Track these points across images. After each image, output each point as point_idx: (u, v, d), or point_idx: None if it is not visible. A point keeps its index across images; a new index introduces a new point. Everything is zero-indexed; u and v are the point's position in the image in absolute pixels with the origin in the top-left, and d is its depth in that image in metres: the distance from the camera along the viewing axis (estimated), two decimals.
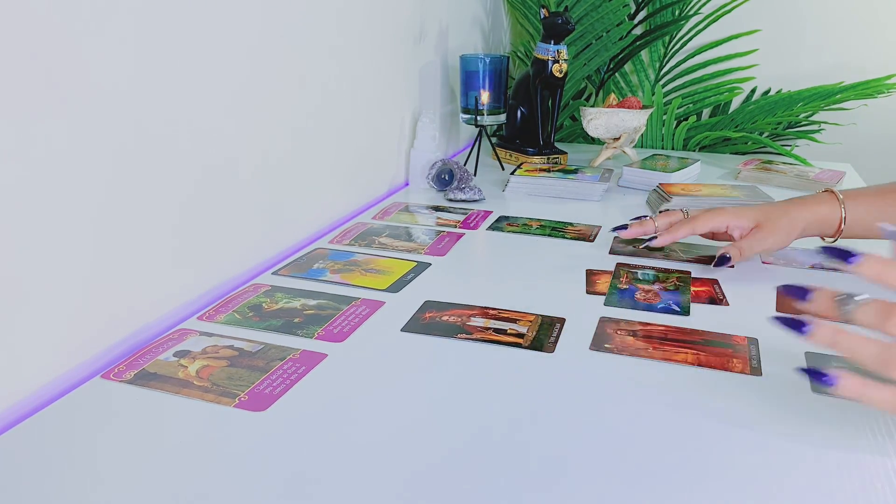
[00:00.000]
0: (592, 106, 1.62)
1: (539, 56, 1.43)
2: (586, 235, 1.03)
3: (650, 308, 0.77)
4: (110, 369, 0.64)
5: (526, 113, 1.50)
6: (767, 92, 1.95)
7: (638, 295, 0.81)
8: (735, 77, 1.93)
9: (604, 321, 0.74)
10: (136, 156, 0.68)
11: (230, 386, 0.61)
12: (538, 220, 1.10)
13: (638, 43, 1.78)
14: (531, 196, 1.25)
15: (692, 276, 0.86)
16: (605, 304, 0.79)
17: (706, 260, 0.92)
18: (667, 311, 0.77)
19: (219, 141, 0.80)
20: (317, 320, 0.74)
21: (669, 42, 1.91)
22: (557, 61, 1.42)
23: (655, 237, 0.90)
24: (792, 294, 0.57)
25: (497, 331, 0.72)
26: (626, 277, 0.86)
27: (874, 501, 0.48)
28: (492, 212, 1.14)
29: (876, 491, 0.49)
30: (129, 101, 0.67)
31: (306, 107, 0.97)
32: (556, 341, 0.70)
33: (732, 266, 0.87)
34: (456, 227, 1.06)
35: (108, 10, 0.63)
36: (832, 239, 0.85)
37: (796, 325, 0.55)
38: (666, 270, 0.88)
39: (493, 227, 1.06)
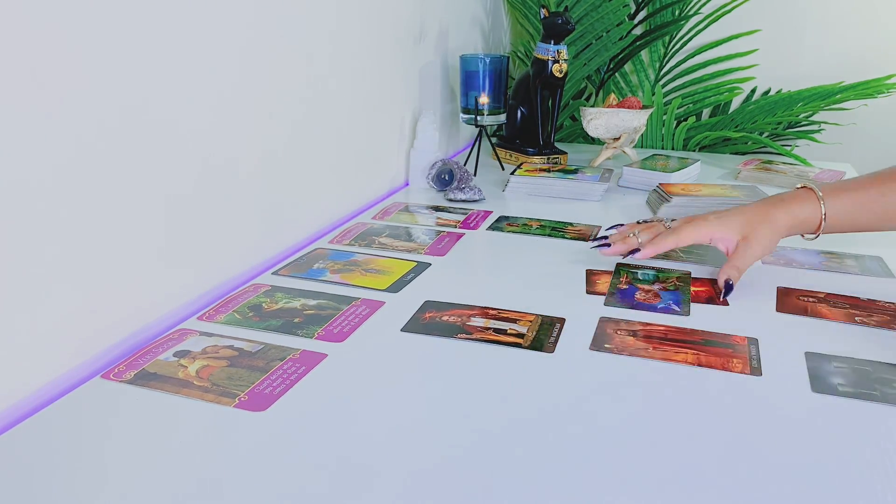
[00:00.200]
0: (592, 106, 1.62)
1: (539, 56, 1.43)
2: (586, 235, 1.03)
3: (651, 308, 0.77)
4: (110, 369, 0.64)
5: (526, 113, 1.50)
6: (767, 92, 1.95)
7: (638, 295, 0.81)
8: (735, 77, 1.93)
9: (604, 321, 0.74)
10: (135, 155, 0.68)
11: (230, 386, 0.61)
12: (538, 220, 1.10)
13: (638, 43, 1.78)
14: (531, 196, 1.25)
15: (692, 275, 0.86)
16: (605, 305, 0.79)
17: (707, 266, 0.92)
18: (667, 311, 0.77)
19: (218, 141, 0.80)
20: (317, 320, 0.74)
21: (669, 42, 1.91)
22: (557, 61, 1.42)
23: (638, 250, 0.86)
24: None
25: (497, 331, 0.72)
26: (626, 277, 0.86)
27: (874, 501, 0.48)
28: (492, 212, 1.14)
29: (876, 491, 0.49)
30: (129, 102, 0.66)
31: (306, 107, 0.97)
32: (556, 341, 0.70)
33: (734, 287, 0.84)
34: (456, 227, 1.06)
35: (105, 7, 0.63)
36: (813, 236, 0.84)
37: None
38: (666, 270, 0.88)
39: (493, 227, 1.06)
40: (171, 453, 0.52)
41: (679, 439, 0.55)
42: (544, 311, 0.77)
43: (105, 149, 0.64)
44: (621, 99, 1.51)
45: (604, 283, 0.84)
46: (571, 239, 1.01)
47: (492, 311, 0.76)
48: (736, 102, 1.96)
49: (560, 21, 1.38)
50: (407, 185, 1.33)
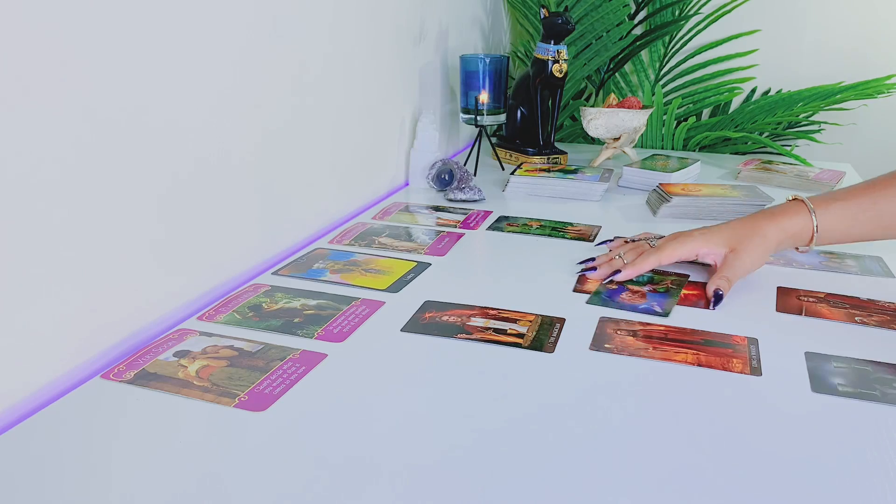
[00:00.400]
0: (592, 106, 1.62)
1: (539, 56, 1.43)
2: (586, 235, 1.03)
3: (633, 308, 0.78)
4: (110, 369, 0.64)
5: (526, 113, 1.50)
6: (767, 92, 1.95)
7: (623, 295, 0.81)
8: (735, 77, 1.93)
9: (604, 321, 0.74)
10: (134, 155, 0.68)
11: (230, 386, 0.61)
12: (538, 220, 1.10)
13: (638, 43, 1.78)
14: (531, 196, 1.25)
15: (690, 279, 0.86)
16: (587, 303, 0.79)
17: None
18: (647, 311, 0.77)
19: (217, 140, 0.80)
20: (317, 320, 0.74)
21: (669, 42, 1.91)
22: (557, 61, 1.42)
23: (620, 272, 0.85)
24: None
25: (497, 331, 0.72)
26: None
27: (874, 501, 0.48)
28: (492, 212, 1.14)
29: (876, 491, 0.49)
30: (129, 101, 0.67)
31: (306, 107, 0.97)
32: (556, 341, 0.70)
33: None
34: (456, 227, 1.06)
35: (102, 8, 0.63)
36: (807, 248, 0.83)
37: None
38: (663, 273, 0.88)
39: (493, 227, 1.06)
40: (171, 453, 0.52)
41: (679, 439, 0.55)
42: (544, 311, 0.77)
43: (105, 149, 0.64)
44: (621, 99, 1.51)
45: (594, 283, 0.84)
46: (571, 239, 1.01)
47: (492, 311, 0.76)
48: (736, 102, 1.96)
49: (560, 21, 1.38)
50: (407, 185, 1.33)
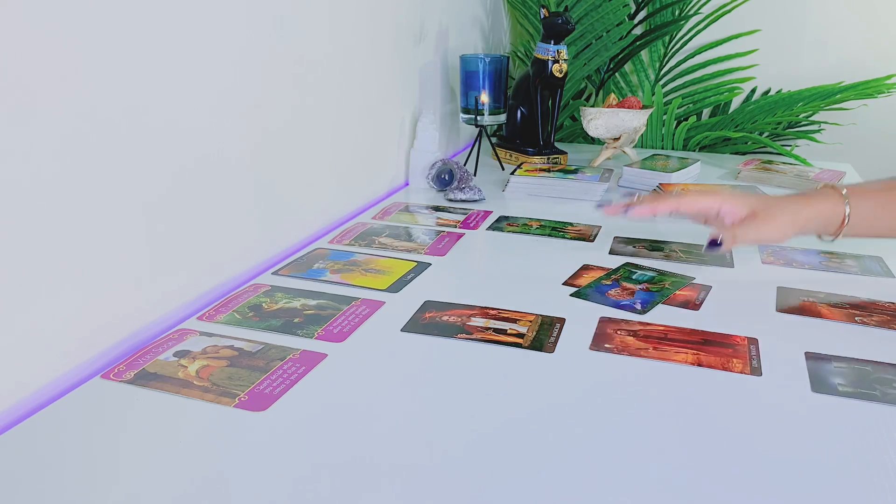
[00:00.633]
0: (592, 106, 1.62)
1: (539, 56, 1.43)
2: (586, 235, 1.03)
3: (615, 304, 0.78)
4: (110, 369, 0.64)
5: (526, 113, 1.50)
6: (767, 92, 1.95)
7: (612, 291, 0.81)
8: (735, 77, 1.93)
9: (604, 321, 0.74)
10: (134, 155, 0.68)
11: (230, 386, 0.61)
12: (538, 220, 1.10)
13: (638, 43, 1.78)
14: (531, 196, 1.25)
15: (695, 281, 0.86)
16: (571, 296, 0.80)
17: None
18: (627, 307, 0.77)
19: (217, 140, 0.80)
20: (317, 320, 0.74)
21: (669, 42, 1.91)
22: (557, 61, 1.42)
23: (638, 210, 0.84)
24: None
25: (497, 331, 0.72)
26: (619, 275, 0.86)
27: (874, 500, 0.48)
28: (492, 212, 1.14)
29: (876, 491, 0.49)
30: (130, 102, 0.67)
31: (306, 107, 0.97)
32: (556, 341, 0.70)
33: (723, 252, 0.82)
34: (456, 227, 1.06)
35: (100, 10, 0.63)
36: (830, 238, 0.81)
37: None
38: (666, 273, 0.88)
39: (493, 227, 1.06)
40: (171, 453, 0.52)
41: (679, 439, 0.55)
42: (544, 311, 0.77)
43: (104, 148, 0.64)
44: (621, 99, 1.51)
45: (587, 278, 0.85)
46: (571, 239, 1.01)
47: (492, 311, 0.76)
48: (736, 102, 1.96)
49: (560, 21, 1.38)
50: (407, 185, 1.33)
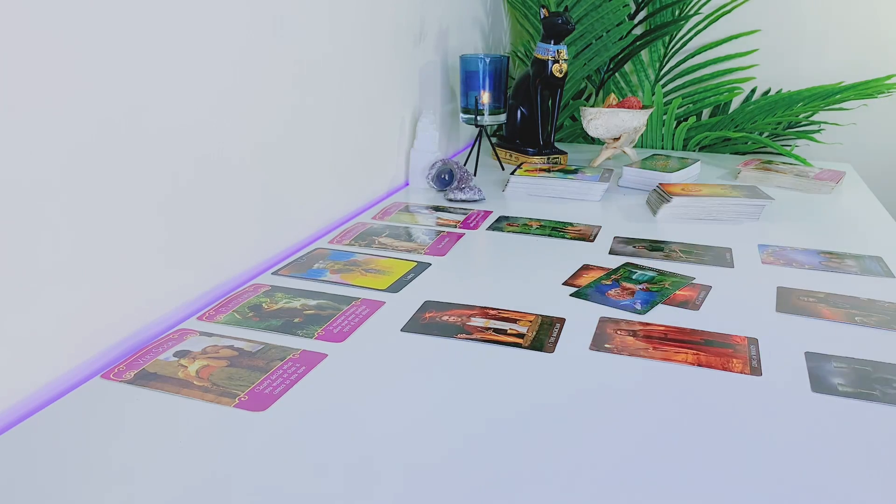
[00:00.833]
0: (592, 106, 1.62)
1: (539, 56, 1.43)
2: (586, 235, 1.03)
3: (615, 304, 0.78)
4: (110, 369, 0.64)
5: (526, 113, 1.50)
6: (767, 92, 1.95)
7: (611, 292, 0.81)
8: (735, 77, 1.93)
9: (604, 321, 0.74)
10: (134, 156, 0.68)
11: (230, 386, 0.61)
12: (538, 220, 1.10)
13: (638, 43, 1.78)
14: (531, 196, 1.25)
15: (695, 281, 0.86)
16: (571, 296, 0.80)
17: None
18: (626, 307, 0.77)
19: (217, 141, 0.80)
20: (317, 320, 0.74)
21: (669, 42, 1.91)
22: (557, 61, 1.42)
23: None
24: None
25: (497, 331, 0.72)
26: (619, 275, 0.86)
27: (874, 500, 0.48)
28: (492, 212, 1.14)
29: (876, 490, 0.49)
30: (128, 103, 0.67)
31: (306, 107, 0.98)
32: (556, 341, 0.70)
33: None
34: (456, 227, 1.06)
35: (104, 10, 0.63)
36: None
37: None
38: (666, 273, 0.88)
39: (493, 227, 1.06)
40: (171, 453, 0.52)
41: (679, 439, 0.55)
42: (544, 311, 0.77)
43: (104, 149, 0.64)
44: (621, 99, 1.51)
45: (587, 278, 0.85)
46: (571, 239, 1.01)
47: (492, 311, 0.76)
48: (736, 102, 1.96)
49: (560, 21, 1.38)
50: (407, 185, 1.33)
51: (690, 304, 0.79)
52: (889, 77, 1.65)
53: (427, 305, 0.78)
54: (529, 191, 1.27)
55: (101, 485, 0.49)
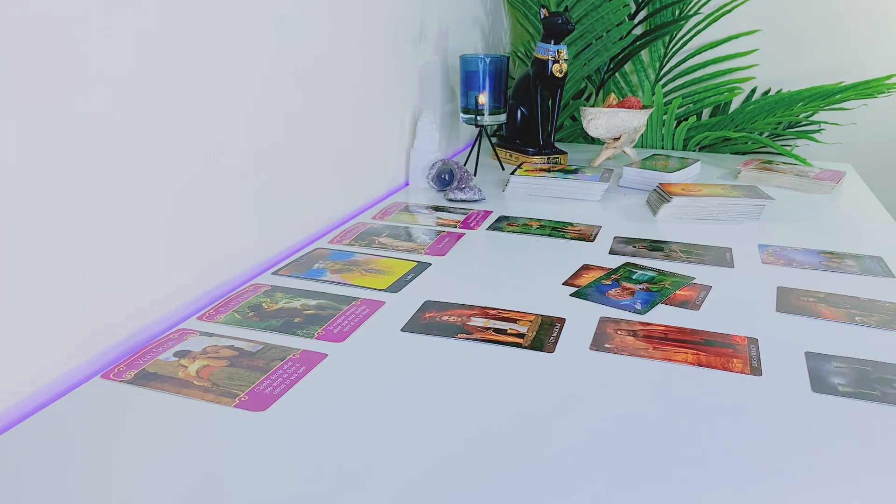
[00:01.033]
0: (592, 106, 1.62)
1: (539, 56, 1.43)
2: (586, 235, 1.03)
3: (615, 304, 0.78)
4: (110, 369, 0.64)
5: (526, 113, 1.50)
6: (767, 92, 1.95)
7: (612, 291, 0.81)
8: (735, 77, 1.93)
9: (604, 321, 0.74)
10: (135, 156, 0.68)
11: (230, 386, 0.61)
12: (538, 220, 1.10)
13: (638, 43, 1.78)
14: (531, 196, 1.25)
15: (695, 281, 0.86)
16: (571, 296, 0.80)
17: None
18: (626, 307, 0.77)
19: (218, 141, 0.80)
20: (317, 320, 0.74)
21: (669, 42, 1.91)
22: (557, 61, 1.42)
23: None
24: None
25: (497, 331, 0.72)
26: (619, 275, 0.86)
27: (874, 500, 0.48)
28: (492, 212, 1.14)
29: (876, 490, 0.49)
30: (129, 104, 0.67)
31: (306, 107, 0.97)
32: (556, 341, 0.70)
33: None
34: (456, 227, 1.06)
35: (108, 11, 0.63)
36: None
37: None
38: (666, 273, 0.88)
39: (493, 227, 1.06)
40: (171, 453, 0.52)
41: (679, 439, 0.55)
42: (544, 311, 0.77)
43: (106, 150, 0.64)
44: (621, 99, 1.51)
45: (587, 278, 0.85)
46: (571, 239, 1.01)
47: (492, 311, 0.76)
48: (736, 102, 1.96)
49: (560, 21, 1.38)
50: (407, 185, 1.33)
51: (690, 304, 0.79)
52: (889, 77, 1.65)
53: (427, 305, 0.78)
54: (529, 191, 1.27)
55: (101, 485, 0.49)
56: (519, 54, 1.94)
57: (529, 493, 0.48)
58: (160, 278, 0.74)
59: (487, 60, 1.34)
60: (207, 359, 0.66)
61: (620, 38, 1.70)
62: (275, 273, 0.87)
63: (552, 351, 0.68)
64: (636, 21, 1.81)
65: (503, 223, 1.08)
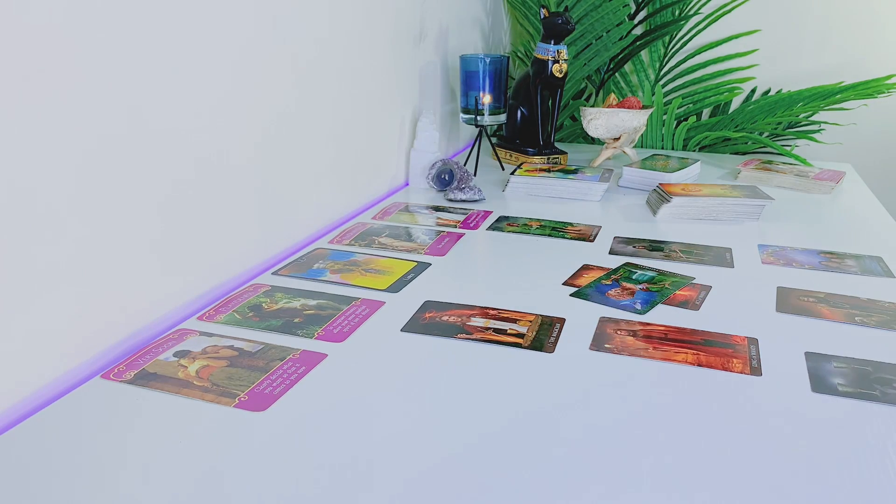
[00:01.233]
0: (592, 106, 1.62)
1: (539, 56, 1.43)
2: (586, 235, 1.03)
3: (615, 304, 0.78)
4: (110, 369, 0.64)
5: (526, 113, 1.50)
6: (767, 92, 1.95)
7: (611, 292, 0.81)
8: (735, 77, 1.93)
9: (604, 321, 0.74)
10: (134, 156, 0.68)
11: (230, 386, 0.61)
12: (538, 220, 1.10)
13: (638, 43, 1.78)
14: (531, 196, 1.25)
15: (695, 281, 0.86)
16: (571, 296, 0.80)
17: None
18: (626, 307, 0.77)
19: (217, 141, 0.80)
20: (317, 320, 0.74)
21: (669, 42, 1.91)
22: (557, 61, 1.42)
23: None
24: None
25: (497, 331, 0.72)
26: (619, 275, 0.86)
27: (874, 500, 0.48)
28: (492, 212, 1.14)
29: (876, 490, 0.49)
30: (129, 104, 0.67)
31: (306, 107, 0.98)
32: (556, 341, 0.70)
33: None
34: (456, 227, 1.06)
35: (103, 11, 0.63)
36: None
37: None
38: (666, 273, 0.88)
39: (493, 227, 1.06)
40: (171, 453, 0.52)
41: (679, 439, 0.55)
42: (544, 311, 0.77)
43: (104, 150, 0.64)
44: (621, 99, 1.51)
45: (587, 278, 0.85)
46: (571, 239, 1.01)
47: (492, 311, 0.76)
48: (736, 102, 1.96)
49: (560, 21, 1.38)
50: (407, 185, 1.33)
51: (690, 304, 0.79)
52: (889, 77, 1.65)
53: (427, 305, 0.78)
54: (529, 191, 1.27)
55: (101, 485, 0.49)
56: (519, 54, 1.94)
57: (529, 493, 0.48)
58: (160, 278, 0.74)
59: (487, 60, 1.34)
60: (207, 359, 0.66)
61: (620, 38, 1.70)
62: (275, 273, 0.87)
63: (552, 351, 0.68)
64: (636, 21, 1.81)
65: (503, 223, 1.08)
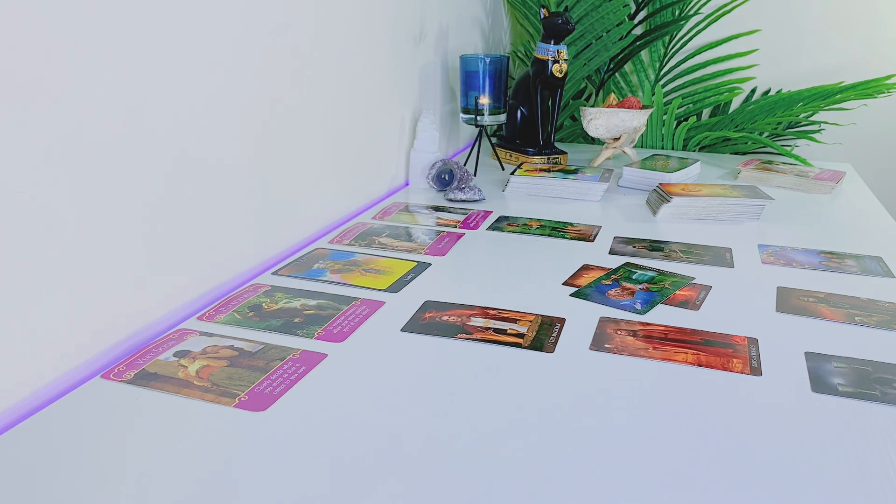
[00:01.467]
0: (592, 106, 1.62)
1: (539, 56, 1.43)
2: (586, 235, 1.03)
3: (615, 304, 0.78)
4: (110, 369, 0.64)
5: (526, 113, 1.50)
6: (767, 92, 1.95)
7: (611, 291, 0.81)
8: (735, 77, 1.93)
9: (604, 321, 0.74)
10: (133, 156, 0.68)
11: (230, 386, 0.61)
12: (538, 220, 1.10)
13: (638, 43, 1.78)
14: (531, 196, 1.25)
15: (695, 281, 0.86)
16: (571, 296, 0.80)
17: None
18: (626, 307, 0.77)
19: (217, 141, 0.80)
20: (317, 320, 0.74)
21: (669, 42, 1.91)
22: (557, 61, 1.42)
23: None
24: None
25: (497, 331, 0.72)
26: (619, 275, 0.86)
27: (874, 501, 0.48)
28: (492, 212, 1.14)
29: (876, 490, 0.49)
30: (128, 104, 0.67)
31: (306, 107, 0.98)
32: (556, 341, 0.70)
33: None
34: (456, 227, 1.06)
35: (98, 11, 0.63)
36: None
37: None
38: (666, 273, 0.88)
39: (493, 227, 1.06)
40: (171, 453, 0.52)
41: (679, 439, 0.55)
42: (544, 311, 0.77)
43: (103, 150, 0.64)
44: (621, 99, 1.51)
45: (587, 278, 0.85)
46: (571, 239, 1.01)
47: (492, 311, 0.76)
48: (736, 102, 1.96)
49: (560, 21, 1.38)
50: (407, 185, 1.33)
51: (690, 304, 0.79)
52: (889, 77, 1.65)
53: (427, 305, 0.78)
54: (529, 191, 1.27)
55: (100, 485, 0.49)
56: (519, 54, 1.94)
57: (530, 493, 0.48)
58: (160, 279, 0.74)
59: (487, 60, 1.34)
60: (207, 359, 0.66)
61: (620, 38, 1.70)
62: (275, 273, 0.87)
63: (552, 351, 0.68)
64: (636, 21, 1.81)
65: (503, 223, 1.09)
